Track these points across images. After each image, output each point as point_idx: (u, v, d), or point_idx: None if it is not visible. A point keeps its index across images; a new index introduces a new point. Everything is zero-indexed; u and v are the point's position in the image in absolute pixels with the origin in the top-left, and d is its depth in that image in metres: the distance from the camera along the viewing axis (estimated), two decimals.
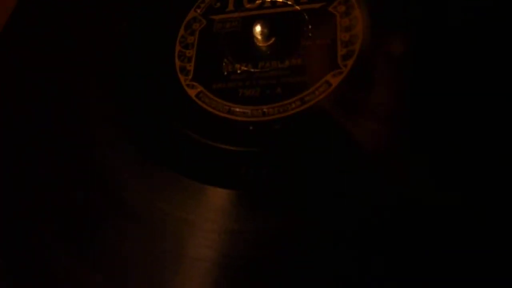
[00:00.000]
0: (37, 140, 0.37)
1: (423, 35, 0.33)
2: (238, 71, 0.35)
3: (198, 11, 0.38)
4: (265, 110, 0.33)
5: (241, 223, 0.30)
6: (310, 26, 0.35)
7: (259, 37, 0.35)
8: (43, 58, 0.40)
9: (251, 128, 0.33)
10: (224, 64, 0.36)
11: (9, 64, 0.41)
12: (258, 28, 0.35)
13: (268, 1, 0.37)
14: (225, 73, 0.35)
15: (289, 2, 0.36)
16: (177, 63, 0.36)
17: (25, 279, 0.34)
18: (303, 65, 0.34)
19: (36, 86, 0.40)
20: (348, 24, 0.35)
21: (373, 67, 0.33)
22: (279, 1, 0.37)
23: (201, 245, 0.31)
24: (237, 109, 0.34)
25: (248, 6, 0.37)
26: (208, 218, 0.31)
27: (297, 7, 0.36)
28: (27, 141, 0.37)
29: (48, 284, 0.33)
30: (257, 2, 0.37)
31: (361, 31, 0.34)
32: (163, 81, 0.36)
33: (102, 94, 0.37)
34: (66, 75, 0.39)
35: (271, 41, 0.36)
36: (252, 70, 0.35)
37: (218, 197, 0.31)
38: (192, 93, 0.35)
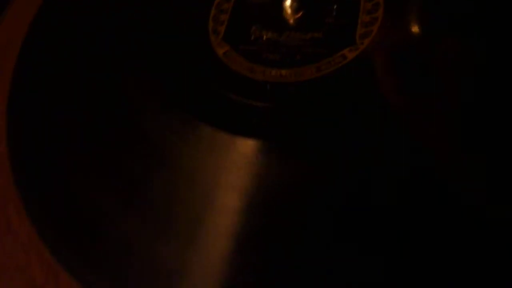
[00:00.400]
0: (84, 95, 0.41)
1: (444, 22, 0.36)
2: (264, 37, 0.38)
3: None
4: (283, 73, 0.36)
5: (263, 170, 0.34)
6: (335, 6, 0.39)
7: (288, 10, 0.39)
8: (85, 23, 0.44)
9: (268, 87, 0.36)
10: (252, 30, 0.39)
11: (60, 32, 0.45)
12: (288, 2, 0.39)
13: None
14: (252, 37, 0.39)
15: None
16: (211, 24, 0.40)
17: (57, 211, 0.37)
18: (324, 38, 0.37)
19: (82, 47, 0.43)
20: (370, 8, 0.38)
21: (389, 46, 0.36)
22: None
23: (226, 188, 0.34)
24: (258, 69, 0.37)
25: None
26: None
27: None
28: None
29: (79, 214, 0.37)
30: None
31: (381, 14, 0.37)
32: (196, 39, 0.39)
33: (141, 49, 0.40)
34: (108, 38, 0.43)
35: (298, 15, 0.39)
36: (277, 38, 0.38)
37: (229, 144, 0.35)
38: (220, 51, 0.38)
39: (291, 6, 0.39)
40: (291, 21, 0.39)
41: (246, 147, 0.35)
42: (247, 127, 0.35)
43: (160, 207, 0.35)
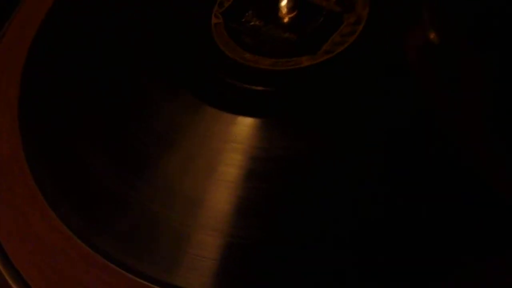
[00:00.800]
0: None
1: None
2: (251, 23, 0.44)
3: None
4: (247, 56, 0.42)
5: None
6: (321, 19, 0.43)
7: (283, 10, 0.44)
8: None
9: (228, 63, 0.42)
10: (247, 13, 0.45)
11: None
12: (284, 3, 0.44)
13: None
14: (243, 20, 0.44)
15: None
16: None
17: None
18: (295, 41, 0.42)
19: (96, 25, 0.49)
20: (347, 31, 0.42)
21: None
22: None
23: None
24: (231, 46, 0.43)
25: None
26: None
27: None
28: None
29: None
30: None
31: (352, 40, 0.42)
32: (200, 6, 0.46)
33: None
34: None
35: (292, 15, 0.44)
36: (261, 27, 0.44)
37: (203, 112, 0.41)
38: (213, 21, 0.45)
39: (286, 6, 0.44)
40: (286, 19, 0.44)
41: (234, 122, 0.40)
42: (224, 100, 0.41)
43: (166, 176, 0.39)
